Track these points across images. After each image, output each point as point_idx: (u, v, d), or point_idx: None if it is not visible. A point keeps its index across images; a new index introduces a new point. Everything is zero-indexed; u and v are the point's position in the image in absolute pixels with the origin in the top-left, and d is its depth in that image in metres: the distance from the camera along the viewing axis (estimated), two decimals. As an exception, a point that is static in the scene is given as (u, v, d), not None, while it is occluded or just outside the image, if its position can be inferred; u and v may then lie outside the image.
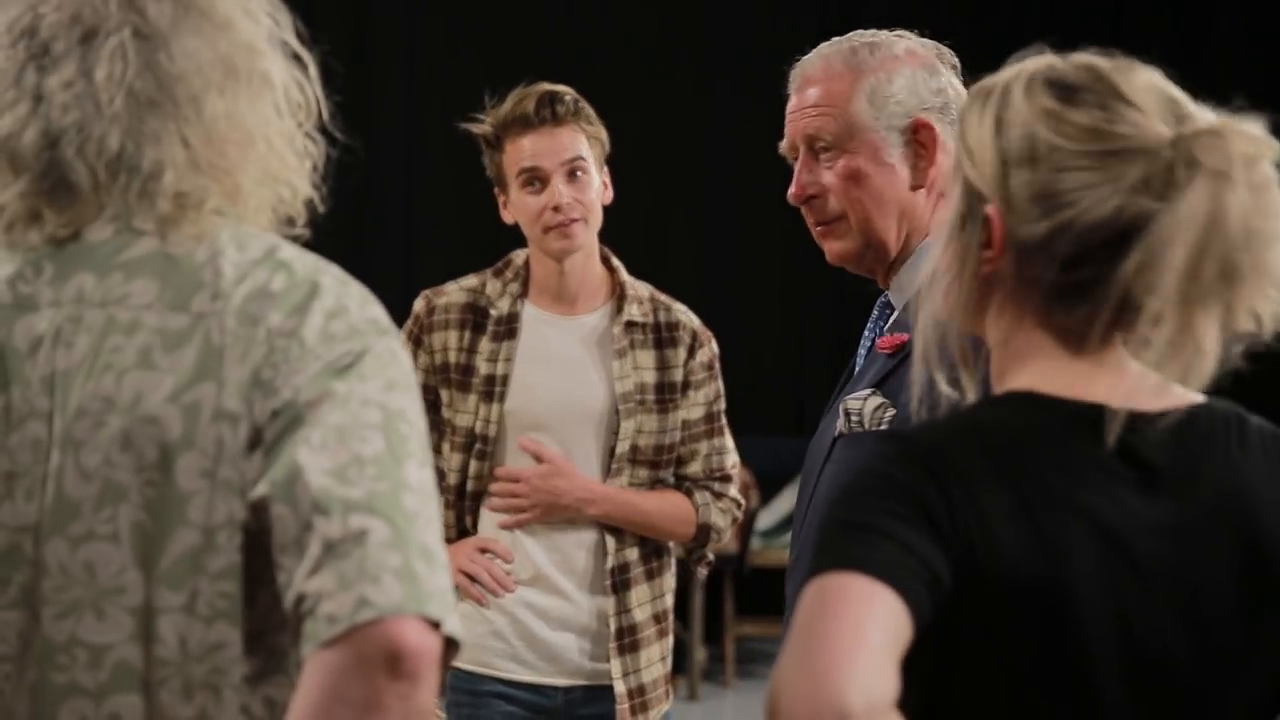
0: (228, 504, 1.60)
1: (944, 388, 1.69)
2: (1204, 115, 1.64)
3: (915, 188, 2.42)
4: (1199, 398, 1.67)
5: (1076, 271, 1.63)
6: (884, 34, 2.48)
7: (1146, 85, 1.64)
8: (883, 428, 2.30)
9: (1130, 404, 1.63)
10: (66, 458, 1.62)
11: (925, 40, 2.49)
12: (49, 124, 1.68)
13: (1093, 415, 1.63)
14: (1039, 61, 1.68)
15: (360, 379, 1.61)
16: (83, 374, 1.63)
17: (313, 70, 1.75)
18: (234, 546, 1.61)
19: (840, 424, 2.35)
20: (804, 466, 2.46)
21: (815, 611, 1.48)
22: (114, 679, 1.62)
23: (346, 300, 1.66)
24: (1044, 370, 1.65)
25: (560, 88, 3.42)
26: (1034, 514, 1.58)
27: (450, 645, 1.56)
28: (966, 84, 2.40)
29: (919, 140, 2.42)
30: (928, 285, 1.70)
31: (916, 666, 1.54)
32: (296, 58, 1.75)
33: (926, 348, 1.70)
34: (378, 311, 1.67)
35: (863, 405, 2.33)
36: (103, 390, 1.62)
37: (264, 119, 1.72)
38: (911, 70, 2.44)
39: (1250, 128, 1.61)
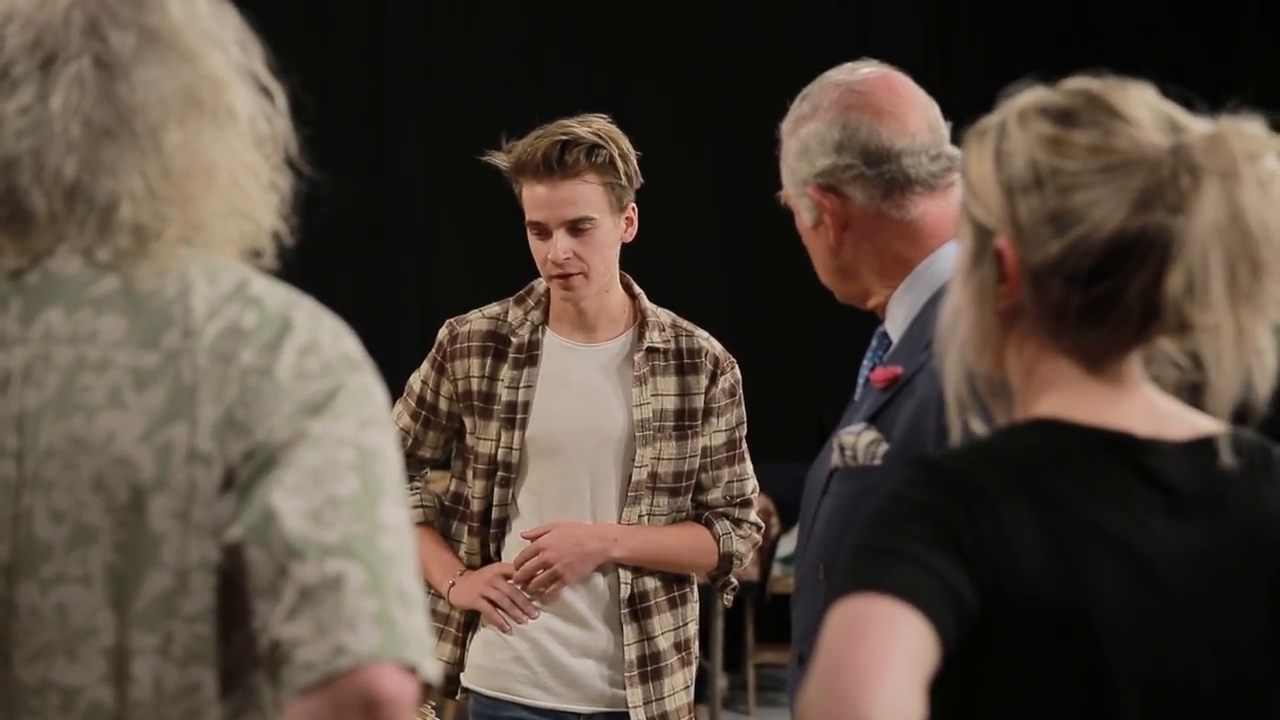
0: (201, 546, 1.58)
1: (977, 427, 1.67)
2: (1199, 123, 1.63)
3: (838, 246, 2.38)
4: (1224, 427, 1.66)
5: (1093, 288, 1.62)
6: (828, 77, 2.42)
7: (1139, 101, 1.65)
8: (876, 463, 2.29)
9: (1157, 432, 1.64)
10: (37, 499, 1.59)
11: (863, 75, 2.40)
12: (5, 150, 1.64)
13: (1118, 442, 1.63)
14: (1028, 95, 1.68)
15: (335, 417, 1.58)
16: (53, 413, 1.59)
17: (280, 102, 1.71)
18: (208, 588, 1.58)
19: (835, 458, 2.34)
20: (803, 497, 2.44)
21: (841, 635, 1.48)
22: None
23: (319, 335, 1.62)
24: (1068, 396, 1.64)
25: (580, 131, 3.34)
26: (1059, 538, 1.58)
27: (427, 686, 1.53)
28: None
29: (818, 205, 2.38)
30: (948, 328, 1.69)
31: (942, 689, 1.54)
32: (265, 90, 1.71)
33: (957, 390, 1.68)
34: (351, 346, 1.64)
35: (856, 440, 2.31)
36: (73, 430, 1.59)
37: (228, 152, 1.67)
38: (808, 130, 2.38)
39: (1247, 126, 1.61)
